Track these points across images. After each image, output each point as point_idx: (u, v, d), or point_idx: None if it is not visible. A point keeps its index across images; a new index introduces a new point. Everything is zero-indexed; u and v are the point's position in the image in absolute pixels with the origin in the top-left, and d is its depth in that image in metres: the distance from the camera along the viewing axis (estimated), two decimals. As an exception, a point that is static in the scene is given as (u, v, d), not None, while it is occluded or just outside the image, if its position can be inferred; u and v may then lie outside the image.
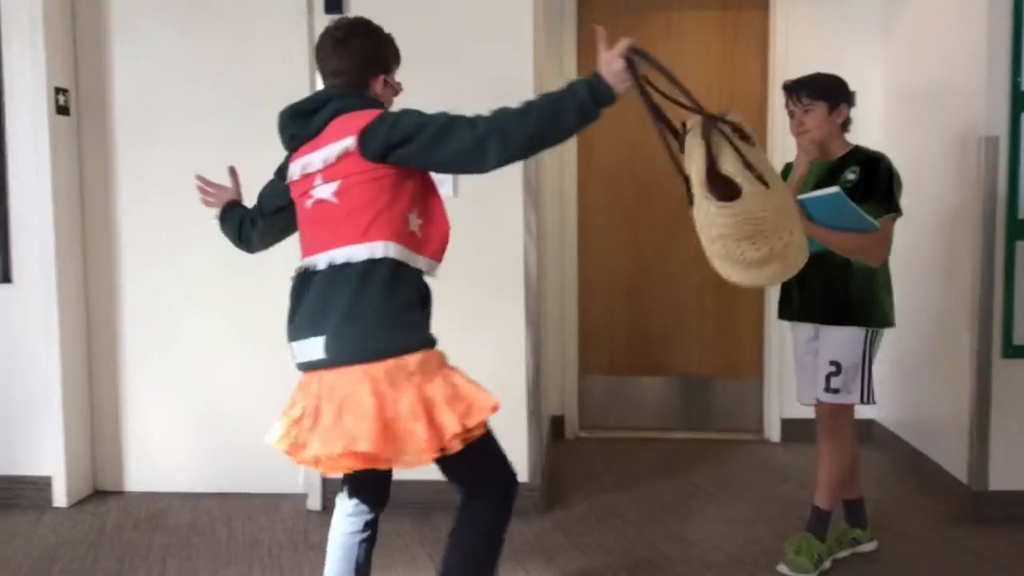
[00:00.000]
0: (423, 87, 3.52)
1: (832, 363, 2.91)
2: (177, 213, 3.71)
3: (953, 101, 3.68)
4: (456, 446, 2.02)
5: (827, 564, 3.00)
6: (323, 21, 3.49)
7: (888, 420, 4.40)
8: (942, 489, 3.70)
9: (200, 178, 2.57)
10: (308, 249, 2.19)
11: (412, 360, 2.05)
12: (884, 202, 2.83)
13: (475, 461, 2.15)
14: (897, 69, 4.31)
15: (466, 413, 2.03)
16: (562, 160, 4.65)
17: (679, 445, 4.59)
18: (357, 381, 2.01)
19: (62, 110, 3.64)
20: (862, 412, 4.46)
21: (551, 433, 4.56)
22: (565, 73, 4.63)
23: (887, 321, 2.95)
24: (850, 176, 2.88)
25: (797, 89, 2.97)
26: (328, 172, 2.12)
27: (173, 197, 3.69)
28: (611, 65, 2.06)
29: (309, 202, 2.17)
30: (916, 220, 3.98)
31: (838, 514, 3.13)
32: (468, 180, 3.53)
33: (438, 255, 2.27)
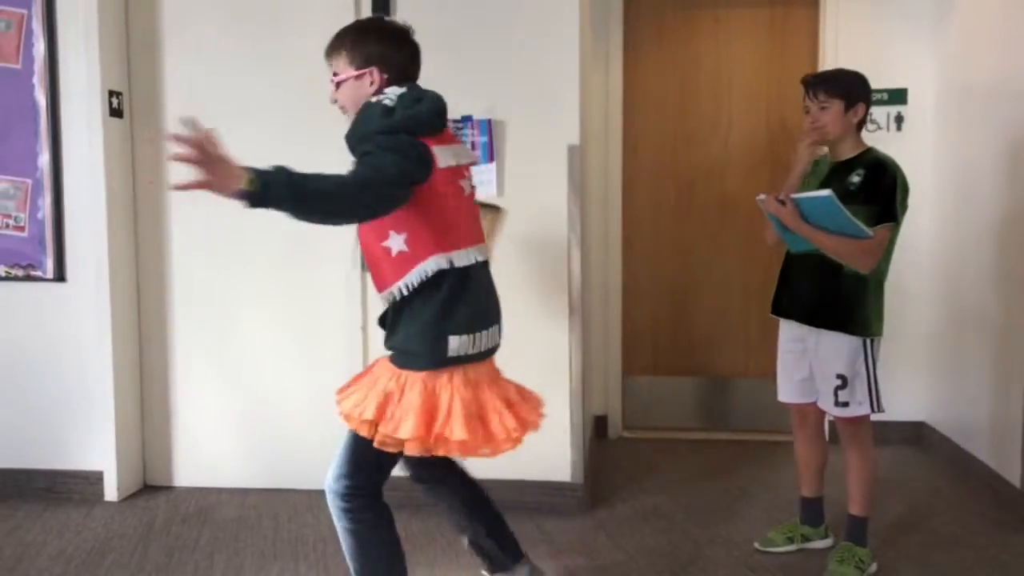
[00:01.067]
0: (468, 87, 3.56)
1: (838, 376, 2.89)
2: (227, 213, 3.75)
3: (1009, 98, 3.61)
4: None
5: (873, 568, 2.96)
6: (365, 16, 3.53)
7: (938, 422, 4.32)
8: (993, 492, 3.63)
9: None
10: (470, 240, 2.35)
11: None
12: (883, 210, 2.78)
13: None
14: (950, 66, 4.24)
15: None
16: (607, 160, 4.64)
17: (724, 446, 4.55)
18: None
19: (115, 112, 3.72)
20: (913, 414, 4.43)
21: (594, 433, 4.55)
22: (611, 73, 4.62)
23: (879, 330, 2.90)
24: (855, 179, 2.84)
25: (815, 85, 2.94)
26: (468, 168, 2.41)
27: (224, 199, 3.75)
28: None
29: (467, 191, 2.37)
30: (968, 221, 3.91)
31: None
32: (512, 180, 3.54)
33: None
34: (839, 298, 2.87)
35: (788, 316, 3.05)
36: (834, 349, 2.89)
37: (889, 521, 3.38)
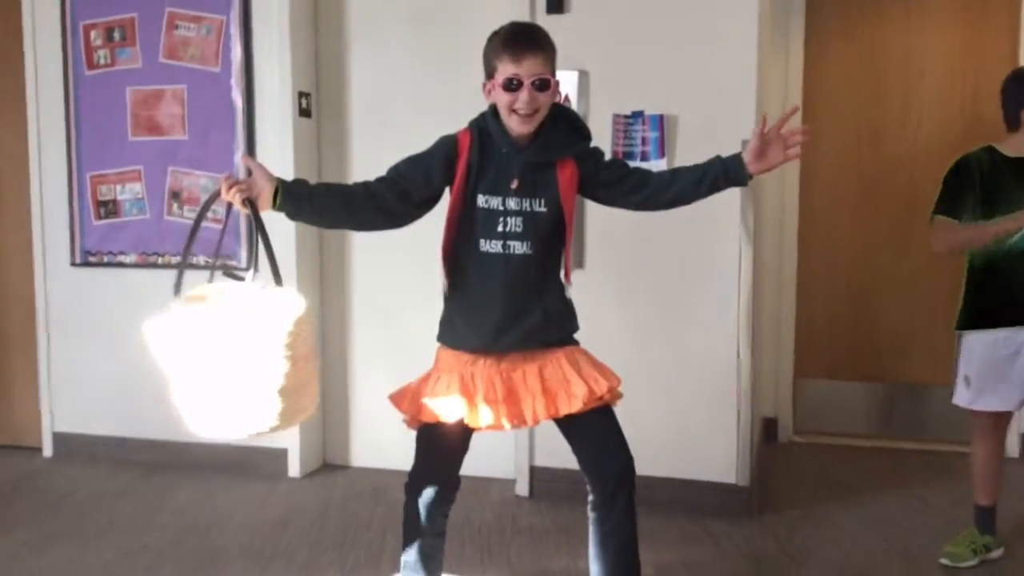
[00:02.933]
0: (640, 82, 3.54)
1: None
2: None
3: None
4: None
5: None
6: (544, 22, 3.57)
7: None
8: None
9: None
10: None
11: None
12: None
13: None
14: None
15: None
16: (783, 154, 4.49)
17: (903, 455, 4.33)
18: None
19: (304, 113, 3.94)
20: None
21: (763, 436, 4.43)
22: (791, 65, 4.48)
23: None
24: None
25: None
26: None
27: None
28: None
29: None
30: None
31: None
32: (683, 175, 3.49)
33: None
34: None
35: (1007, 323, 2.92)
36: None
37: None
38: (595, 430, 2.27)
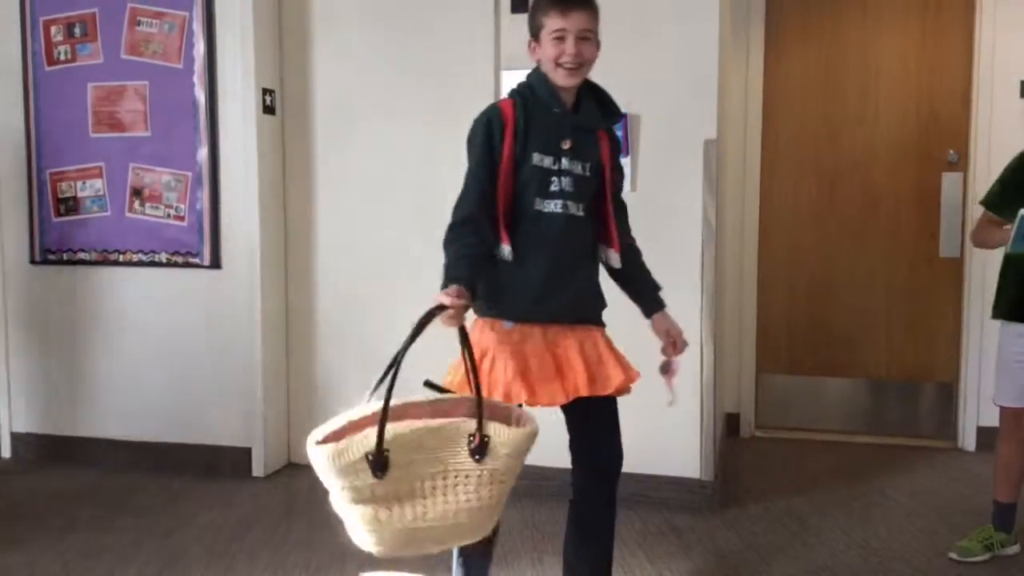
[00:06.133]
0: (603, 80, 3.55)
1: None
2: (370, 208, 3.91)
3: None
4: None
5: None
6: (508, 21, 3.59)
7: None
8: None
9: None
10: None
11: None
12: None
13: None
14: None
15: None
16: (745, 154, 4.56)
17: (863, 449, 4.41)
18: None
19: (268, 110, 3.91)
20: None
21: (725, 430, 4.49)
22: (751, 65, 4.53)
23: None
24: None
25: None
26: None
27: (367, 193, 3.90)
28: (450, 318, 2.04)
29: None
30: None
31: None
32: (647, 174, 3.53)
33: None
34: None
35: None
36: None
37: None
38: (603, 417, 2.32)
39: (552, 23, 2.20)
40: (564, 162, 2.22)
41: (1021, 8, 4.18)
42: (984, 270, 4.13)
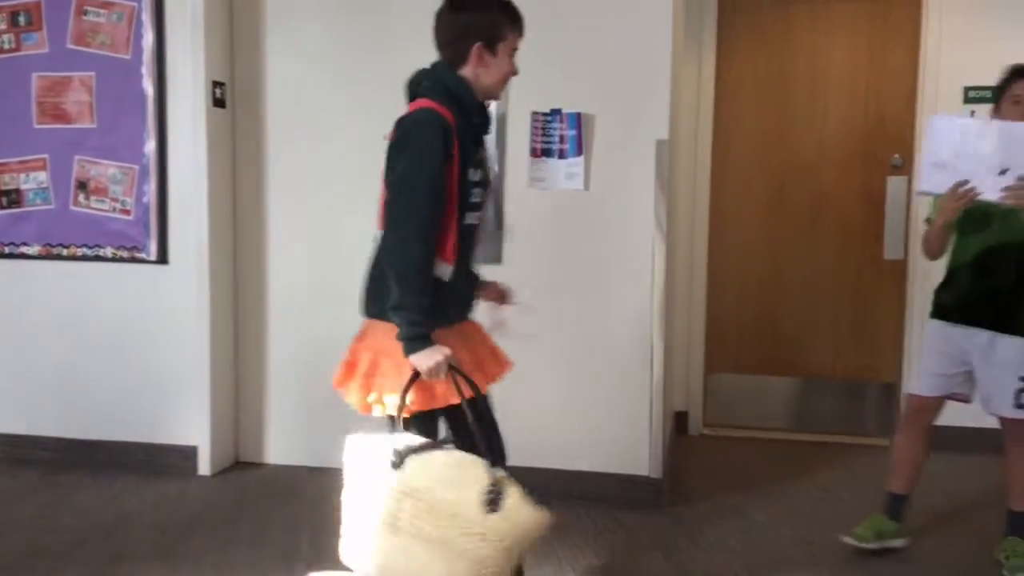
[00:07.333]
0: (558, 81, 3.58)
1: (1022, 379, 2.87)
2: (322, 203, 3.88)
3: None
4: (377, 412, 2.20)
5: None
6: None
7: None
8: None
9: None
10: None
11: (382, 326, 2.17)
12: None
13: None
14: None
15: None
16: (696, 155, 4.61)
17: (807, 447, 4.48)
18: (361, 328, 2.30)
19: (219, 103, 3.86)
20: None
21: (674, 429, 4.54)
22: (703, 67, 4.58)
23: None
24: None
25: None
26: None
27: (319, 188, 3.87)
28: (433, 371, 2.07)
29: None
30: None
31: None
32: (599, 173, 3.55)
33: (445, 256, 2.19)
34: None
35: (969, 322, 2.97)
36: (1017, 351, 2.88)
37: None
38: (490, 408, 2.37)
39: (515, 39, 2.26)
40: (479, 173, 2.25)
41: (966, 17, 4.28)
42: (928, 273, 4.21)
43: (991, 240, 2.90)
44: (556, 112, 3.55)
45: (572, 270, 3.61)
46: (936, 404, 3.08)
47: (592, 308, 3.60)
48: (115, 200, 3.89)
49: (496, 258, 3.59)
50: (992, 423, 3.05)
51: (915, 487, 3.16)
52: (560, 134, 3.55)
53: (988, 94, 4.22)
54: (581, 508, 3.47)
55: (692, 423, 4.75)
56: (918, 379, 3.10)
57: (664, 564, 3.05)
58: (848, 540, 3.10)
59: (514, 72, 2.27)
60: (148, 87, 3.82)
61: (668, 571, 2.99)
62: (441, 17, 2.26)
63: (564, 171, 3.56)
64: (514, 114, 3.58)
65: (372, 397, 2.19)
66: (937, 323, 3.05)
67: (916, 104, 4.38)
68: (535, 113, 3.56)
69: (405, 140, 2.11)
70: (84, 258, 3.93)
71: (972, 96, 4.27)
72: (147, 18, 3.79)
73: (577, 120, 3.53)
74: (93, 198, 3.90)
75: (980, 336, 2.94)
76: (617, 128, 3.53)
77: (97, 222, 3.90)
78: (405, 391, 2.08)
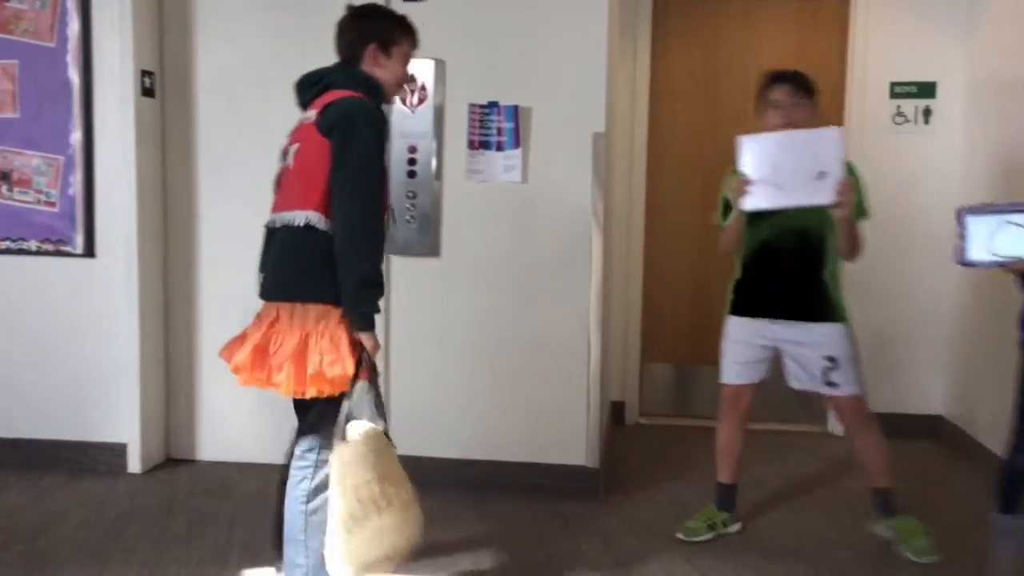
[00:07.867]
0: (496, 74, 3.58)
1: (828, 359, 3.03)
2: (254, 194, 3.81)
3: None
4: (309, 393, 2.26)
5: None
6: (402, 9, 3.55)
7: (955, 416, 4.32)
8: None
9: None
10: (275, 207, 2.47)
11: (313, 309, 2.28)
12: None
13: (318, 413, 2.34)
14: (981, 59, 4.20)
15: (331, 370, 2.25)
16: (632, 149, 4.65)
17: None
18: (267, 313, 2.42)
19: (148, 92, 3.77)
20: (931, 408, 4.42)
21: (611, 419, 4.58)
22: (638, 62, 4.62)
23: (851, 316, 3.09)
24: None
25: (796, 80, 3.06)
26: (294, 135, 2.38)
27: (251, 179, 3.79)
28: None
29: (282, 164, 2.43)
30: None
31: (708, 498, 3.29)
32: (537, 166, 3.56)
33: None
34: (825, 291, 3.03)
35: (763, 315, 3.11)
36: (821, 336, 3.03)
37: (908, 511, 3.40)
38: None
39: (409, 47, 2.45)
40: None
41: (892, 13, 4.39)
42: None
43: (764, 235, 3.06)
44: (494, 104, 3.54)
45: (510, 262, 3.62)
46: (747, 391, 3.21)
47: (529, 300, 3.61)
48: (39, 192, 3.78)
49: (433, 250, 3.58)
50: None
51: (741, 475, 3.28)
52: (498, 126, 3.55)
53: (914, 89, 4.39)
54: (520, 498, 3.48)
55: (629, 413, 4.80)
56: (727, 369, 3.21)
57: (601, 552, 3.08)
58: (681, 536, 3.17)
59: (408, 78, 2.48)
60: (74, 76, 3.71)
61: (606, 559, 3.03)
62: (342, 25, 2.46)
63: (502, 163, 3.57)
64: (452, 106, 3.57)
65: (312, 370, 2.24)
66: (735, 319, 3.20)
67: (844, 99, 4.48)
68: (473, 105, 3.56)
69: (354, 127, 2.22)
70: (7, 251, 3.81)
71: (898, 91, 4.40)
72: (72, 5, 3.69)
73: (515, 113, 3.54)
74: (16, 190, 3.78)
75: (775, 326, 3.09)
76: (554, 121, 3.54)
77: (21, 214, 3.79)
78: (358, 365, 2.22)
